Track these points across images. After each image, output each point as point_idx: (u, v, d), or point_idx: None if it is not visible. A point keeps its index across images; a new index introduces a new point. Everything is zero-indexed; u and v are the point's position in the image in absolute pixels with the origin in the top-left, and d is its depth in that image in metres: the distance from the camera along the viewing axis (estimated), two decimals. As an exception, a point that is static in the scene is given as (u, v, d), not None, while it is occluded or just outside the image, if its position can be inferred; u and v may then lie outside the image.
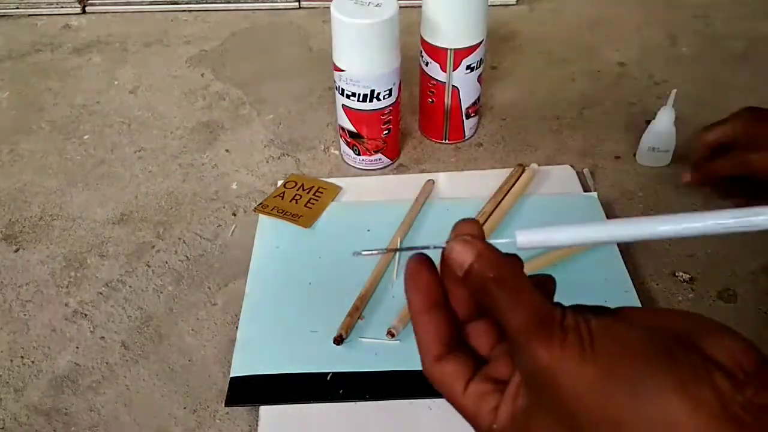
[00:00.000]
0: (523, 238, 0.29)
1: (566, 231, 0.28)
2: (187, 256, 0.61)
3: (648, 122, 0.69)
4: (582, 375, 0.24)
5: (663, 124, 0.67)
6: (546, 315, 0.25)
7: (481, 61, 0.67)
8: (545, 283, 0.30)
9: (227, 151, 0.73)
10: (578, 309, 0.28)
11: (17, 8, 0.96)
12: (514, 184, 0.65)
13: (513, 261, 0.27)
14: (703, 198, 0.66)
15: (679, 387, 0.22)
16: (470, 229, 0.29)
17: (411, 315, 0.30)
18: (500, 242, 0.29)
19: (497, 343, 0.30)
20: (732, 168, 0.61)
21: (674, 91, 0.66)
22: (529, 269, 0.28)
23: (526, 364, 0.25)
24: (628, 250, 0.61)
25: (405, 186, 0.66)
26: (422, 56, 0.67)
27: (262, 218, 0.64)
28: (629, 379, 0.23)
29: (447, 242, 0.28)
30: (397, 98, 0.65)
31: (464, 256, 0.27)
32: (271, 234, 0.62)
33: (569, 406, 0.24)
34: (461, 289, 0.29)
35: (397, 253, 0.59)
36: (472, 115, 0.72)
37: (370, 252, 0.32)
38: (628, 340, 0.24)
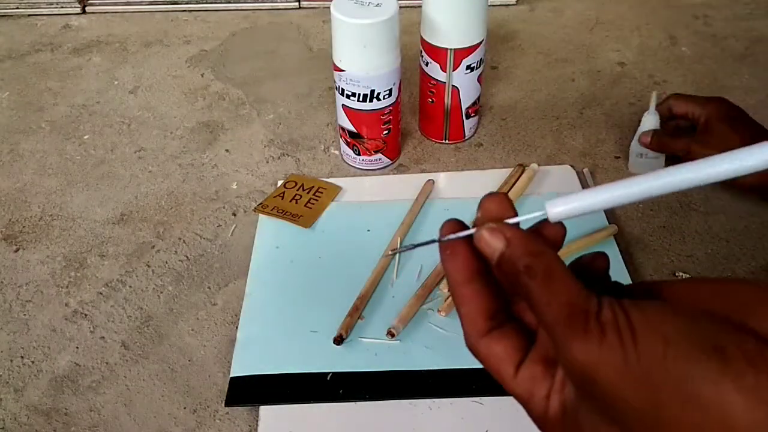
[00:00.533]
0: (555, 209, 0.26)
1: (599, 193, 0.26)
2: (187, 256, 0.61)
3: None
4: (626, 377, 0.22)
5: (648, 128, 0.66)
6: (580, 308, 0.24)
7: (481, 61, 0.67)
8: (593, 262, 0.28)
9: (227, 151, 0.73)
10: (617, 287, 0.26)
11: (17, 8, 0.96)
12: (514, 184, 0.65)
13: (545, 248, 0.26)
14: (703, 195, 0.66)
15: (732, 381, 0.20)
16: (497, 207, 0.27)
17: (451, 288, 0.28)
18: (531, 217, 0.27)
19: None
20: (679, 150, 0.64)
21: (654, 93, 0.66)
22: None
23: (565, 360, 0.24)
24: (628, 249, 0.61)
25: (405, 186, 0.66)
26: (422, 56, 0.67)
27: (262, 218, 0.64)
28: (678, 381, 0.21)
29: (473, 222, 0.27)
30: (397, 98, 0.65)
31: (493, 245, 0.26)
32: (271, 234, 0.62)
33: (615, 406, 0.23)
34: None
35: (397, 254, 0.59)
36: (472, 115, 0.72)
37: (403, 249, 0.30)
38: (673, 334, 0.22)
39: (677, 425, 0.21)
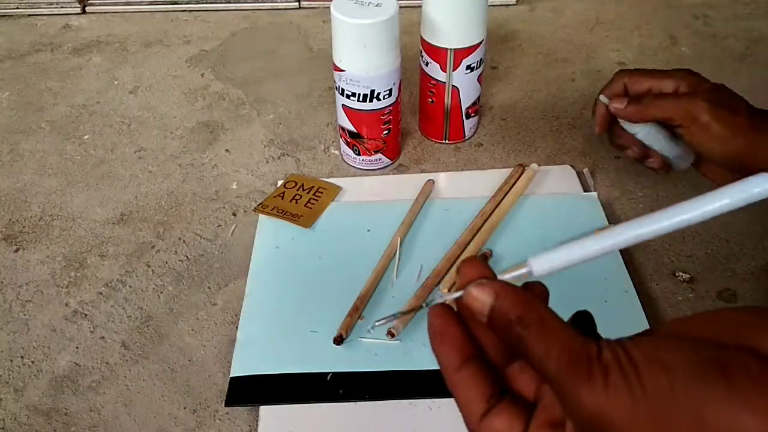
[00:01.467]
0: (539, 265, 0.27)
1: (583, 245, 0.26)
2: (187, 256, 0.61)
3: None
4: (637, 417, 0.22)
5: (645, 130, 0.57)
6: (580, 352, 0.23)
7: (481, 61, 0.67)
8: (574, 320, 0.28)
9: (227, 151, 0.73)
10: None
11: (17, 8, 0.96)
12: (514, 184, 0.65)
13: (533, 298, 0.26)
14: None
15: (741, 404, 0.20)
16: (474, 271, 0.27)
17: (445, 374, 0.28)
18: (515, 275, 0.27)
19: (542, 383, 0.27)
20: (671, 111, 0.53)
21: (600, 96, 0.57)
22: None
23: (572, 411, 0.23)
24: (628, 249, 0.61)
25: (405, 186, 0.66)
26: (422, 56, 0.67)
27: (262, 218, 0.64)
28: (688, 410, 0.21)
29: (451, 271, 0.28)
30: (397, 98, 0.65)
31: (482, 299, 0.26)
32: (271, 234, 0.62)
33: None
34: (490, 334, 0.27)
35: (397, 252, 0.59)
36: (472, 115, 0.72)
37: (386, 318, 0.31)
38: (676, 364, 0.22)
39: None
